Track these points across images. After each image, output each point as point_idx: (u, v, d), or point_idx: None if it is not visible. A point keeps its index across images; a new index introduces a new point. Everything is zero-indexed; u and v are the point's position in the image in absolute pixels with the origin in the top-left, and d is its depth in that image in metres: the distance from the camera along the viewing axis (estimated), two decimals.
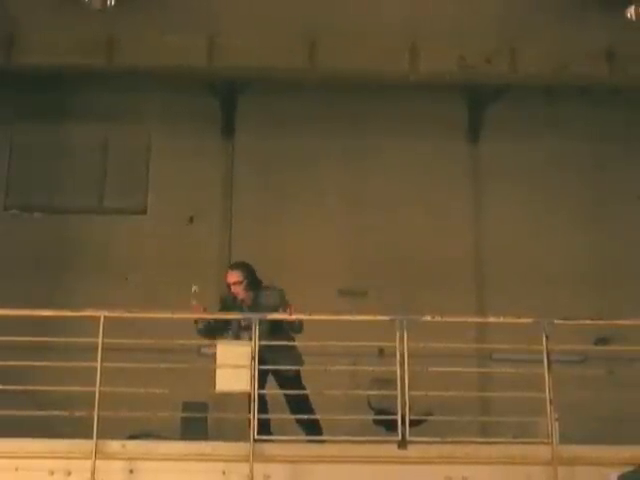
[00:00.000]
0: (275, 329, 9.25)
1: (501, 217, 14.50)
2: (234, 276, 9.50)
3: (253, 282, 9.50)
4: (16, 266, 13.68)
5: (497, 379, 11.44)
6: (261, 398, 8.78)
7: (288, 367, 9.18)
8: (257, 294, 9.48)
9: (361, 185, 14.64)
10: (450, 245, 14.32)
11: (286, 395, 9.21)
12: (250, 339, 8.80)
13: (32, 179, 14.32)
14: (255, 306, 9.37)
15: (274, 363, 8.99)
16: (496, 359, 12.66)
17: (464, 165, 14.85)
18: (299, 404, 9.20)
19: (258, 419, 8.54)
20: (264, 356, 8.80)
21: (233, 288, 9.47)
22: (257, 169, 14.61)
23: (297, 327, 9.34)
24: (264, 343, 8.76)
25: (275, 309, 9.28)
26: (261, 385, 8.95)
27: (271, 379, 9.35)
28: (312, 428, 9.14)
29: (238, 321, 9.27)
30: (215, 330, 9.35)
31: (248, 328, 8.92)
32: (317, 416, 9.20)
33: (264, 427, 8.69)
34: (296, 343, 9.48)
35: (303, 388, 9.29)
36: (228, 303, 9.52)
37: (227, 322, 9.38)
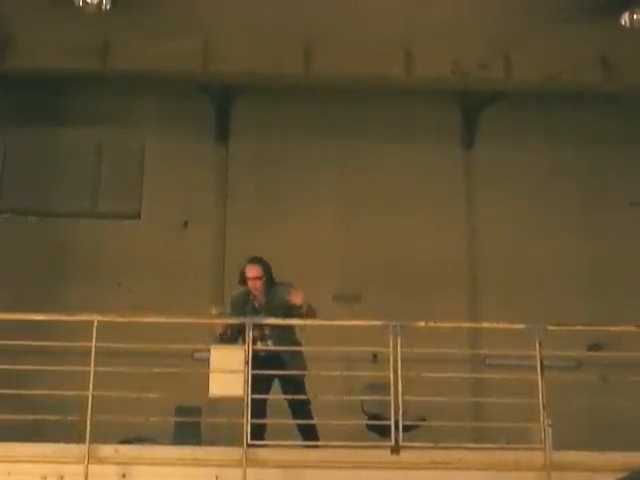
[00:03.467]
0: (286, 329, 9.31)
1: (495, 222, 14.52)
2: (255, 271, 9.44)
3: (270, 279, 9.50)
4: (9, 270, 13.65)
5: (490, 384, 11.44)
6: (260, 403, 8.83)
7: (280, 373, 9.20)
8: (270, 291, 9.47)
9: (355, 190, 14.65)
10: (444, 250, 14.33)
11: (289, 399, 9.19)
12: (263, 339, 9.06)
13: (25, 182, 14.30)
14: (268, 303, 9.39)
15: (284, 365, 9.03)
16: (489, 364, 12.65)
17: (458, 170, 14.87)
18: (302, 409, 9.19)
19: (254, 424, 8.57)
20: (272, 358, 8.92)
21: (252, 282, 9.42)
22: (251, 174, 14.61)
23: (312, 312, 9.31)
24: (273, 348, 8.90)
25: (287, 306, 9.29)
26: (266, 389, 9.04)
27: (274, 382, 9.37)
28: (311, 433, 9.16)
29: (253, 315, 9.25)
30: (231, 337, 9.29)
31: (261, 327, 9.08)
32: (315, 422, 9.21)
33: (259, 432, 8.71)
34: (299, 348, 9.48)
35: (306, 393, 9.27)
36: (240, 302, 9.48)
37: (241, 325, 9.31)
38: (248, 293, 9.49)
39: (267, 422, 8.98)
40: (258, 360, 8.80)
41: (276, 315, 9.17)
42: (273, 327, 9.18)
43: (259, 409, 8.86)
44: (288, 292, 9.36)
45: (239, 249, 14.09)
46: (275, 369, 9.06)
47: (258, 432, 8.66)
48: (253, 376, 8.63)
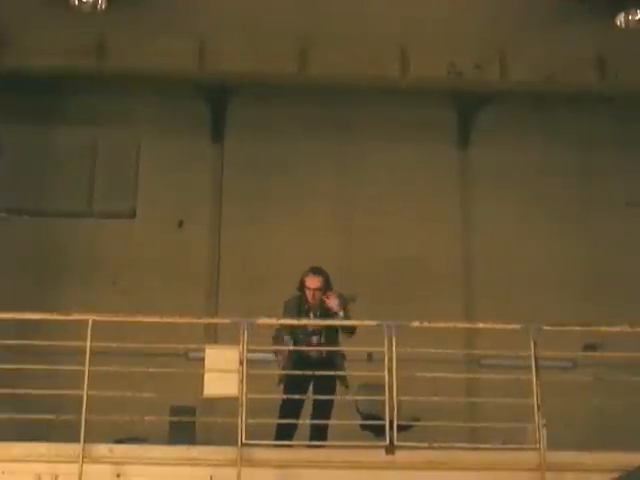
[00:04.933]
0: (336, 338, 9.44)
1: (490, 223, 14.53)
2: (316, 282, 9.51)
3: (327, 290, 9.56)
4: (3, 269, 13.63)
5: (485, 385, 11.45)
6: (297, 404, 9.06)
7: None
8: (323, 301, 9.51)
9: (351, 190, 14.66)
10: (439, 251, 14.34)
11: (317, 400, 9.24)
12: (318, 343, 9.25)
13: (21, 182, 14.27)
14: (324, 314, 9.45)
15: (332, 365, 9.17)
16: (484, 365, 12.67)
17: (453, 171, 14.88)
18: (325, 411, 9.23)
19: (284, 424, 8.90)
20: (322, 362, 9.10)
21: (312, 293, 9.49)
22: (246, 174, 14.60)
23: (349, 329, 9.45)
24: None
25: (337, 314, 9.42)
26: (305, 391, 9.13)
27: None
28: (322, 436, 9.19)
29: (305, 326, 9.39)
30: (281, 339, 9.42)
31: (316, 333, 9.31)
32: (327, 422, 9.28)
33: (289, 433, 8.95)
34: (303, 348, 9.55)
35: (334, 400, 9.36)
36: (293, 308, 9.53)
37: (292, 329, 9.41)
38: (301, 299, 9.56)
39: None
40: (305, 361, 9.10)
41: (329, 326, 9.37)
42: (326, 334, 9.33)
43: (295, 410, 9.08)
44: (342, 301, 9.49)
45: (234, 249, 14.15)
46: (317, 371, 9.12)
47: (289, 433, 8.94)
48: (294, 377, 8.98)
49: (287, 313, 9.50)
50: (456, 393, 11.32)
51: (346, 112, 14.65)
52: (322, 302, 9.47)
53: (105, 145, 14.71)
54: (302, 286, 9.55)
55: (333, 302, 9.34)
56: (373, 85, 14.28)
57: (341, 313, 9.39)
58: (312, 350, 9.32)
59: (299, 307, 9.52)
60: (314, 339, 9.35)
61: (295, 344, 9.37)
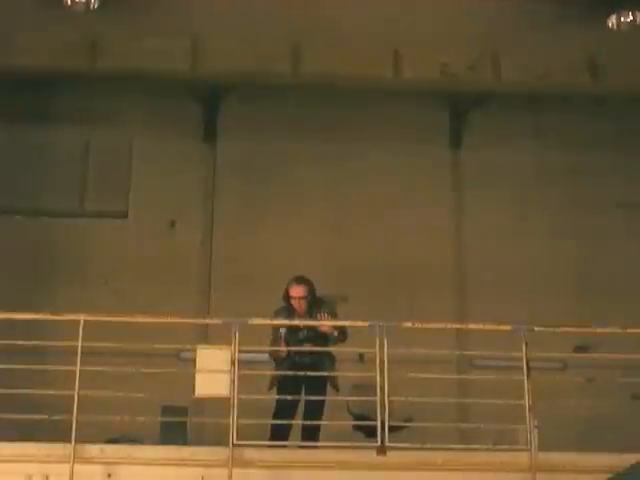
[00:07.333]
0: (325, 344, 9.48)
1: (482, 224, 14.53)
2: (301, 291, 9.58)
3: (313, 298, 9.62)
4: None
5: (477, 386, 11.46)
6: (292, 404, 9.12)
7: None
8: (312, 310, 9.60)
9: (343, 191, 14.65)
10: (431, 251, 14.34)
11: (308, 401, 9.29)
12: (301, 352, 9.29)
13: (13, 182, 14.23)
14: (310, 319, 9.51)
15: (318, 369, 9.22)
16: (476, 366, 12.69)
17: (446, 172, 14.88)
18: (316, 412, 9.27)
19: (278, 425, 8.97)
20: (311, 365, 9.17)
21: (298, 302, 9.56)
22: (239, 174, 14.59)
23: (340, 337, 9.50)
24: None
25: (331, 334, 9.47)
26: (297, 391, 9.19)
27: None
28: (314, 437, 9.22)
29: (297, 335, 9.45)
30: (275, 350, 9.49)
31: (308, 340, 9.37)
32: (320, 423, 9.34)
33: (285, 433, 9.02)
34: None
35: (325, 402, 9.40)
36: (283, 317, 9.57)
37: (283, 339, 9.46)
38: (290, 310, 9.61)
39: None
40: (297, 367, 9.14)
41: (320, 336, 9.43)
42: (313, 341, 9.39)
43: (288, 413, 9.15)
44: (332, 310, 9.58)
45: (226, 249, 14.14)
46: (309, 376, 9.17)
47: (283, 434, 9.02)
48: (285, 382, 9.07)
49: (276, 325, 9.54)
50: (448, 394, 11.35)
51: (338, 113, 14.63)
52: (311, 313, 9.53)
53: (97, 145, 14.68)
54: (287, 296, 9.58)
55: (327, 327, 9.38)
56: (366, 86, 14.27)
57: (335, 333, 9.44)
58: (303, 357, 9.35)
59: (288, 317, 9.54)
60: (305, 347, 9.38)
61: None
